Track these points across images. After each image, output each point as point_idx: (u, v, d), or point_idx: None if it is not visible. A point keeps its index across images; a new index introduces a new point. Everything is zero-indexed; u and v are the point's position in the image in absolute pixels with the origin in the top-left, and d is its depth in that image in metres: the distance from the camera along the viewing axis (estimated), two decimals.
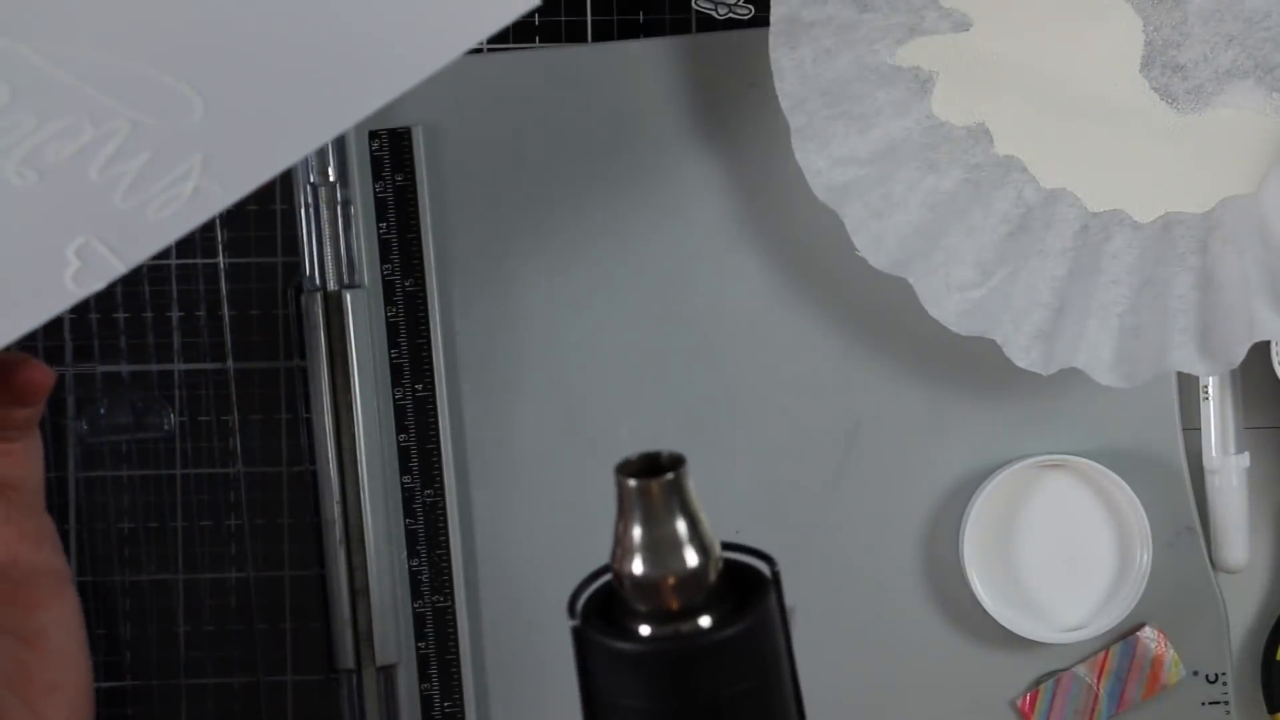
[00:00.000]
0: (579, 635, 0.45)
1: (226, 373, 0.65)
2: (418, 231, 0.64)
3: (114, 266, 0.47)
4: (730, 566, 0.45)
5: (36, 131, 0.45)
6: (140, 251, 0.47)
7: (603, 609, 0.46)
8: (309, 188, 0.63)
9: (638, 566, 0.44)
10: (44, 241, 0.47)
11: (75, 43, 0.45)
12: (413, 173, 0.64)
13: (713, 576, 0.44)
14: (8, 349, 0.50)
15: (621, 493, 0.44)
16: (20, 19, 0.44)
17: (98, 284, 0.47)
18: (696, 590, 0.44)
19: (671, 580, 0.44)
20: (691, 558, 0.44)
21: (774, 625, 0.45)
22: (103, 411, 0.65)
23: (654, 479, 0.44)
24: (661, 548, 0.44)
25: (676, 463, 0.44)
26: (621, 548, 0.44)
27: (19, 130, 0.45)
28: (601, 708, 0.45)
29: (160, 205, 0.47)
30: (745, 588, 0.46)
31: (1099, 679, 0.64)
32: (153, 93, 0.46)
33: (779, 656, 0.45)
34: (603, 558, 0.60)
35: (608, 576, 0.45)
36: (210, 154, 0.47)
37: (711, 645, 0.44)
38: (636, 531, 0.44)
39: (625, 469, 0.45)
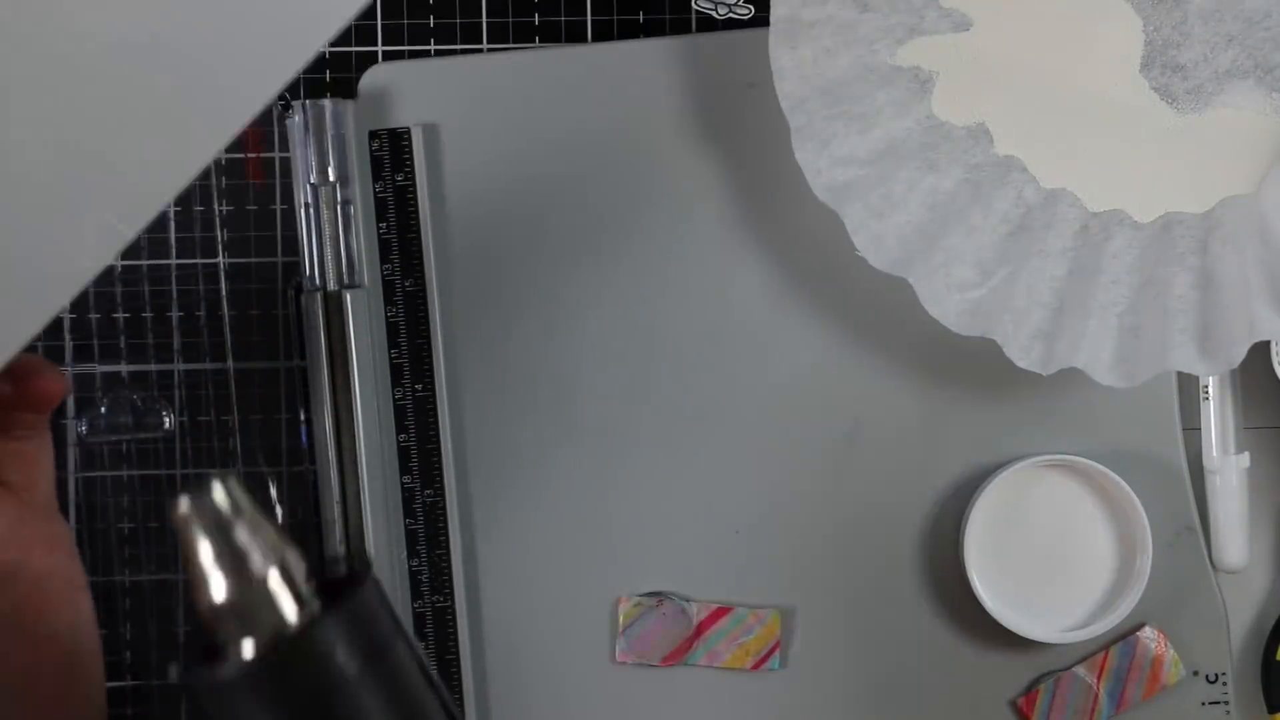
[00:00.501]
0: (186, 681, 0.44)
1: (226, 373, 0.65)
2: (418, 231, 0.64)
3: (121, 234, 0.47)
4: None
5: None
6: (147, 211, 0.47)
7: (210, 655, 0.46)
8: (309, 188, 0.63)
9: (204, 597, 0.44)
10: (61, 219, 0.47)
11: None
12: (412, 173, 0.64)
13: (282, 588, 0.44)
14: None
15: (175, 526, 0.45)
16: None
17: (108, 257, 0.48)
18: (273, 601, 0.44)
19: (234, 599, 0.44)
20: (247, 575, 0.44)
21: (373, 615, 0.45)
22: (103, 411, 0.65)
23: (179, 507, 0.44)
24: (222, 569, 0.44)
25: (203, 490, 0.44)
26: (191, 581, 0.44)
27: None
28: None
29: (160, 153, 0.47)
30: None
31: (1099, 679, 0.64)
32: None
33: (386, 647, 0.45)
34: (603, 557, 0.60)
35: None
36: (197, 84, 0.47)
37: (305, 641, 0.44)
38: (196, 561, 0.44)
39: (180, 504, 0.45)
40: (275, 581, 0.44)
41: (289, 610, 0.44)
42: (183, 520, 0.44)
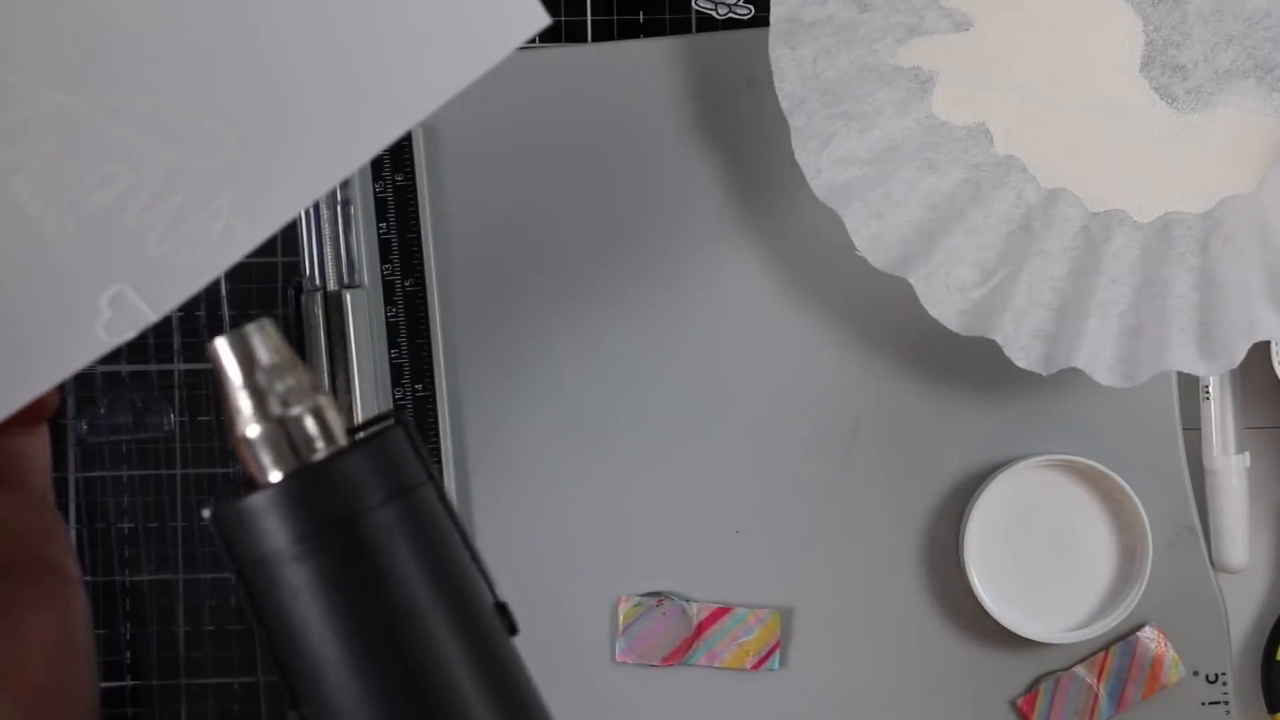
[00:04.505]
0: (217, 521, 0.46)
1: None
2: (418, 231, 0.64)
3: (145, 315, 0.48)
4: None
5: (79, 181, 0.46)
6: (171, 298, 0.48)
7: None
8: None
9: (238, 430, 0.45)
10: (78, 292, 0.48)
11: (123, 92, 0.46)
12: (412, 173, 0.64)
13: (313, 424, 0.46)
14: None
15: (211, 363, 0.46)
16: (77, 75, 0.45)
17: (129, 333, 0.48)
18: (306, 434, 0.45)
19: (277, 425, 0.45)
20: (279, 410, 0.45)
21: (403, 456, 0.46)
22: (103, 411, 0.65)
23: (215, 342, 0.46)
24: (254, 404, 0.46)
25: (241, 329, 0.46)
26: (227, 418, 0.46)
27: (62, 181, 0.46)
28: (256, 583, 0.45)
29: (192, 248, 0.48)
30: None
31: (1099, 679, 0.64)
32: (187, 132, 0.47)
33: (414, 486, 0.46)
34: (603, 557, 0.60)
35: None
36: (239, 192, 0.48)
37: (332, 469, 0.45)
38: (228, 396, 0.46)
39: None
40: (307, 417, 0.46)
41: (319, 443, 0.45)
42: (220, 354, 0.46)
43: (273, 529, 0.45)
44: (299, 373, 0.46)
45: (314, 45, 0.47)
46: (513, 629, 0.47)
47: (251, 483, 0.46)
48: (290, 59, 0.47)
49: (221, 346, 0.46)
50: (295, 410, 0.45)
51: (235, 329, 0.46)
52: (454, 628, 0.45)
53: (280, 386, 0.46)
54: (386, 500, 0.45)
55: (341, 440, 0.46)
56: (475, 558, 0.47)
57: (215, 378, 0.46)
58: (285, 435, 0.45)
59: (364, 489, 0.45)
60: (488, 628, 0.46)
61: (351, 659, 0.44)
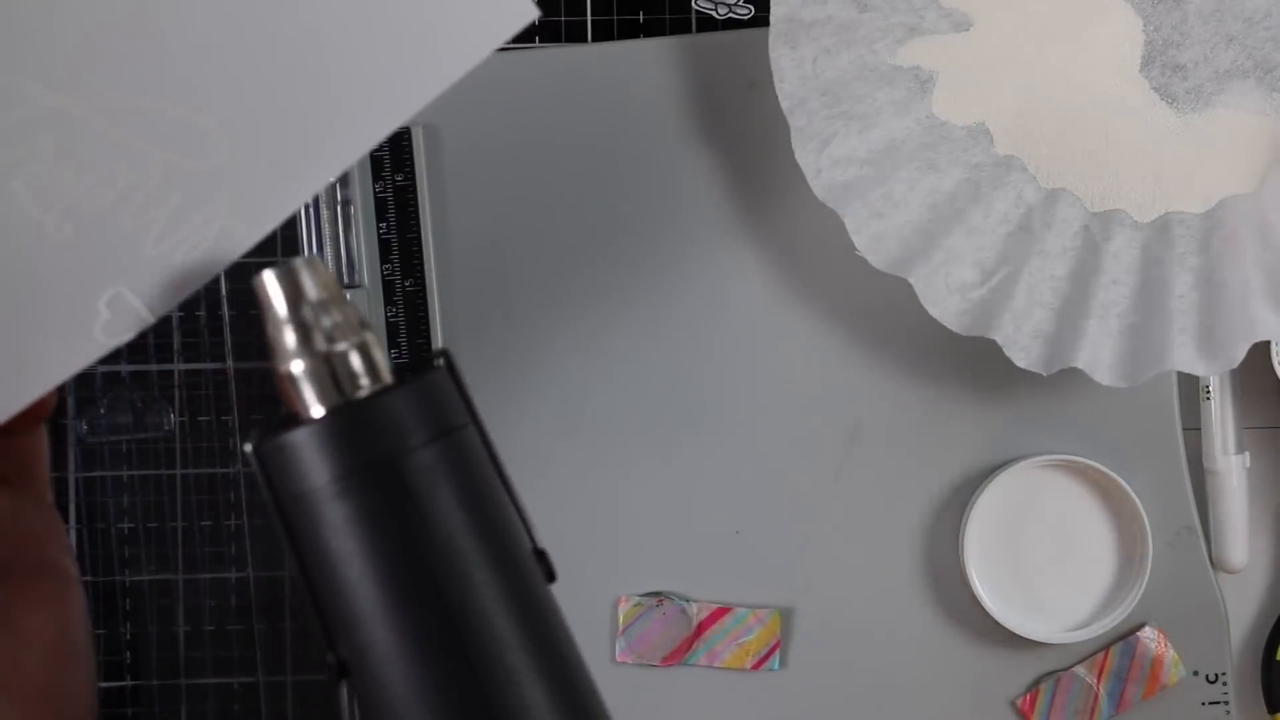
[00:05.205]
0: (258, 456, 0.45)
1: (226, 373, 0.65)
2: (418, 231, 0.64)
3: (143, 316, 0.48)
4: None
5: (76, 183, 0.46)
6: (169, 300, 0.48)
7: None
8: None
9: (283, 364, 0.45)
10: (76, 294, 0.48)
11: (120, 93, 0.46)
12: (412, 173, 0.64)
13: (358, 360, 0.45)
14: None
15: (258, 296, 0.46)
16: (74, 75, 0.45)
17: (127, 335, 0.48)
18: (351, 370, 0.45)
19: (322, 360, 0.45)
20: (324, 345, 0.45)
21: (447, 397, 0.46)
22: (103, 411, 0.65)
23: (262, 275, 0.45)
24: (299, 338, 0.45)
25: (288, 263, 0.46)
26: (271, 353, 0.45)
27: (61, 183, 0.46)
28: (295, 521, 0.45)
29: (189, 249, 0.48)
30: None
31: (1099, 679, 0.64)
32: (183, 133, 0.47)
33: (458, 428, 0.46)
34: (603, 557, 0.60)
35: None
36: (235, 192, 0.48)
37: (376, 407, 0.44)
38: (274, 329, 0.45)
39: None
40: (353, 353, 0.45)
41: (364, 380, 0.45)
42: (266, 287, 0.45)
43: (314, 465, 0.44)
44: (346, 308, 0.46)
45: (307, 41, 0.47)
46: (551, 576, 0.46)
47: (294, 418, 0.45)
48: (283, 56, 0.47)
49: (269, 279, 0.45)
50: (341, 346, 0.45)
51: (282, 261, 0.45)
52: (493, 572, 0.45)
53: (327, 321, 0.45)
54: (429, 440, 0.44)
55: (387, 378, 0.45)
56: (516, 503, 0.47)
57: (260, 311, 0.45)
58: (330, 371, 0.45)
59: (407, 428, 0.44)
60: (527, 574, 0.45)
61: (390, 600, 0.44)
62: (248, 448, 0.45)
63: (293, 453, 0.44)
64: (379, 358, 0.46)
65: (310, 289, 0.45)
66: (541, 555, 0.47)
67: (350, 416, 0.44)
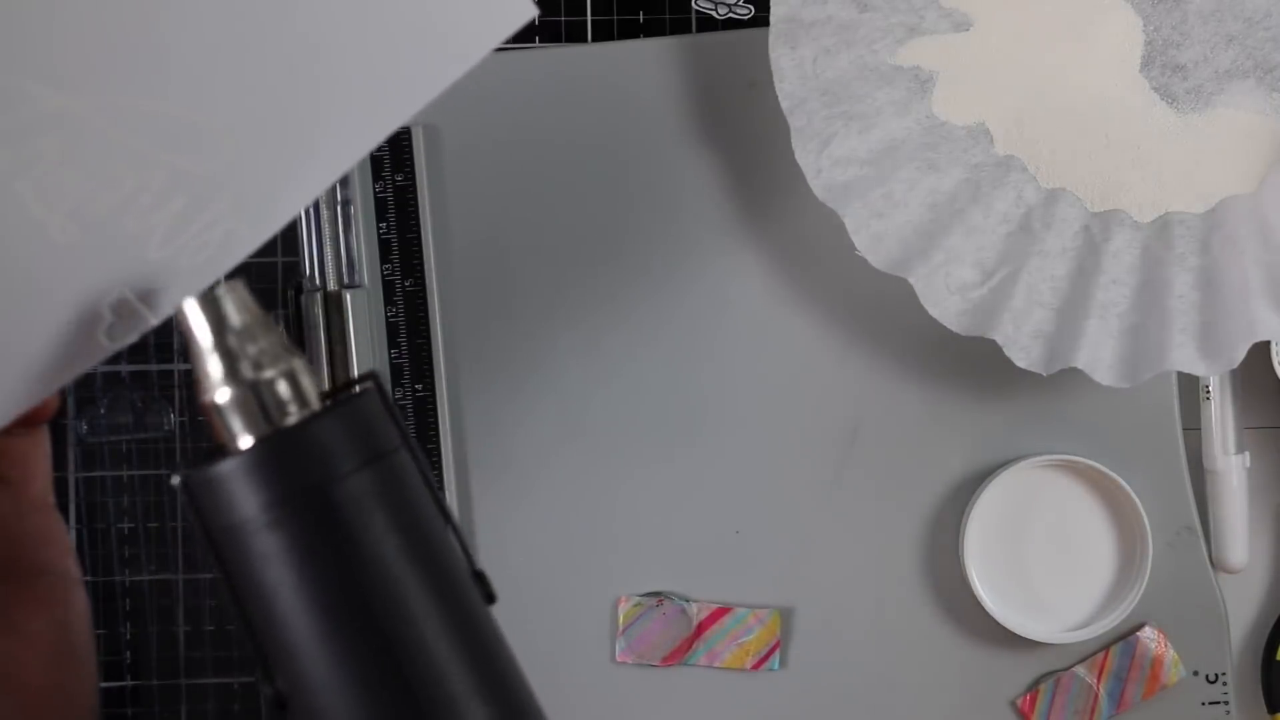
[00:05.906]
0: (186, 489, 0.44)
1: None
2: (418, 231, 0.64)
3: (146, 319, 0.48)
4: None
5: (80, 185, 0.46)
6: (172, 303, 0.48)
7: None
8: None
9: (207, 394, 0.44)
10: (81, 296, 0.48)
11: (125, 95, 0.46)
12: (412, 173, 0.64)
13: (285, 388, 0.44)
14: None
15: (180, 326, 0.45)
16: (77, 77, 0.45)
17: (131, 337, 0.48)
18: (278, 397, 0.44)
19: (248, 389, 0.44)
20: (250, 373, 0.44)
21: (377, 421, 0.45)
22: (103, 411, 0.65)
23: (183, 304, 0.45)
24: (225, 367, 0.44)
25: (212, 291, 0.45)
26: (195, 382, 0.45)
27: (65, 185, 0.46)
28: (227, 553, 0.44)
29: (193, 251, 0.48)
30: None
31: (1099, 679, 0.64)
32: (187, 136, 0.47)
33: (389, 452, 0.45)
34: (603, 557, 0.60)
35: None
36: (238, 194, 0.48)
37: (304, 435, 0.43)
38: (198, 359, 0.45)
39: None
40: (279, 381, 0.44)
41: (291, 408, 0.44)
42: (189, 316, 0.44)
43: (243, 496, 0.43)
44: (271, 335, 0.45)
45: (307, 42, 0.47)
46: (490, 598, 0.46)
47: (221, 449, 0.44)
48: (285, 58, 0.47)
49: (190, 308, 0.44)
50: (268, 374, 0.44)
51: (205, 290, 0.44)
52: (430, 597, 0.44)
53: (252, 349, 0.44)
54: (360, 466, 0.44)
55: (315, 404, 0.45)
56: (452, 525, 0.46)
57: (185, 341, 0.45)
58: (257, 399, 0.44)
59: (336, 455, 0.44)
60: (465, 597, 0.45)
61: (326, 630, 0.43)
62: (174, 481, 0.45)
63: (221, 484, 0.44)
64: (306, 384, 0.45)
65: (234, 316, 0.45)
66: (480, 577, 0.46)
67: (278, 445, 0.43)
